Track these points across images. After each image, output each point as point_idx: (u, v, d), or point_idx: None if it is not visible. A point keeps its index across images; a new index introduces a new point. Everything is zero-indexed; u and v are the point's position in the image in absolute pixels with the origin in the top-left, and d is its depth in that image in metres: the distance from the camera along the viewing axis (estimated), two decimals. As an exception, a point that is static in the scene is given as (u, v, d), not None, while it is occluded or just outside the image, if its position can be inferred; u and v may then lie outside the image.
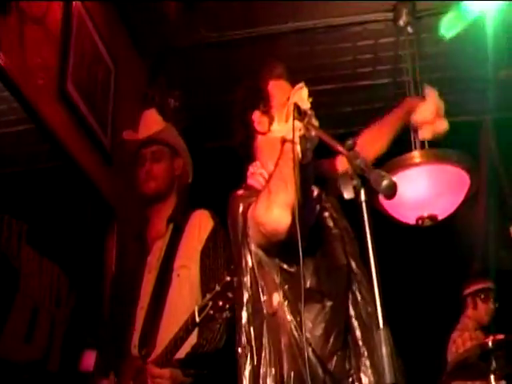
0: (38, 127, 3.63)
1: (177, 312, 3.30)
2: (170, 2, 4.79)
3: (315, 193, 2.75)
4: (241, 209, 2.60)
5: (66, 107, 3.95)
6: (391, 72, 5.92)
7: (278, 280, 2.50)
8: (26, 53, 3.47)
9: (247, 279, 2.54)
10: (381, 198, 1.99)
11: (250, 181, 2.80)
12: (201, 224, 3.56)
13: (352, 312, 2.59)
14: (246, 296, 2.54)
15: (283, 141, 2.48)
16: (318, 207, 2.74)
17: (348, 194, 1.94)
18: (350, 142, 2.04)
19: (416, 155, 4.63)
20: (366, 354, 2.51)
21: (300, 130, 2.42)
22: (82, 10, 4.22)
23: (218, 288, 2.89)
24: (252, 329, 2.50)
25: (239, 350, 2.53)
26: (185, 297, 3.37)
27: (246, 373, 2.47)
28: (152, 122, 3.81)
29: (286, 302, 2.47)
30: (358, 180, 1.93)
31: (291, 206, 2.33)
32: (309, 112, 2.45)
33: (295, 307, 2.45)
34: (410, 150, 4.86)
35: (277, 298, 2.48)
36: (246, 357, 2.49)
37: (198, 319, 2.97)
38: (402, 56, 5.48)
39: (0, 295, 3.19)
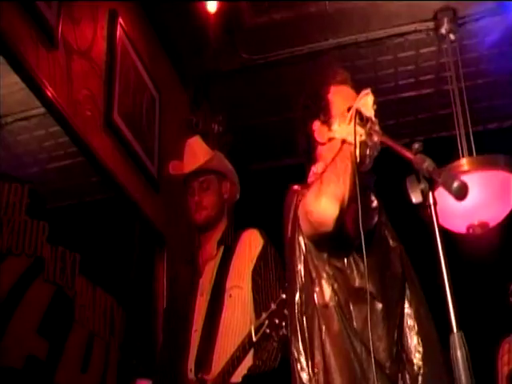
0: (87, 159, 3.70)
1: (231, 333, 3.29)
2: (210, 27, 4.79)
3: (374, 203, 2.72)
4: (295, 201, 2.57)
5: (113, 137, 4.01)
6: (434, 82, 5.88)
7: (326, 275, 2.46)
8: (73, 85, 3.54)
9: (300, 267, 2.50)
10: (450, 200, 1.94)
11: (311, 179, 2.75)
12: (251, 243, 3.55)
13: (408, 310, 2.57)
14: (298, 284, 2.50)
15: (343, 141, 2.46)
16: (376, 217, 2.71)
17: (416, 198, 1.92)
18: (416, 146, 2.01)
19: (464, 163, 4.60)
20: (420, 363, 2.48)
21: (361, 135, 2.40)
22: (126, 40, 4.29)
23: (273, 306, 2.88)
24: (304, 318, 2.46)
25: (292, 336, 2.49)
26: (238, 317, 3.36)
27: (302, 359, 2.43)
28: (197, 152, 3.80)
29: (335, 298, 2.43)
30: (426, 184, 1.90)
31: (340, 199, 2.31)
32: (372, 119, 2.43)
33: (345, 304, 2.42)
34: (456, 157, 4.84)
35: (328, 291, 2.44)
36: (298, 343, 2.45)
37: (254, 338, 2.96)
38: (444, 64, 5.43)
39: (57, 325, 3.22)
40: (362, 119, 2.42)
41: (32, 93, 3.16)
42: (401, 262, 2.66)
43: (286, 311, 2.84)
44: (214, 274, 3.54)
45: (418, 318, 2.56)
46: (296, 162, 6.61)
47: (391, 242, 2.71)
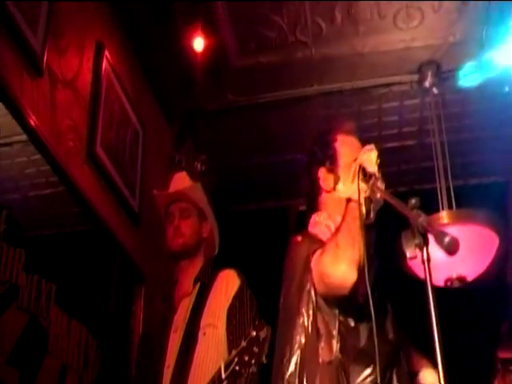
0: (67, 190, 3.69)
1: (203, 371, 3.27)
2: (197, 66, 4.83)
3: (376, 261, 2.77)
4: (305, 254, 2.60)
5: (95, 169, 4.01)
6: (417, 134, 5.94)
7: (334, 331, 2.48)
8: (57, 115, 3.55)
9: (307, 322, 2.52)
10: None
11: (313, 229, 2.81)
12: (228, 282, 3.56)
13: None
14: (302, 339, 2.51)
15: (348, 200, 2.52)
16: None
17: (410, 253, 1.98)
18: (413, 202, 2.09)
19: (443, 216, 4.63)
20: None
21: (365, 191, 2.44)
22: (111, 73, 4.31)
23: (243, 344, 2.87)
24: (305, 374, 2.47)
25: None
26: (211, 355, 3.34)
27: None
28: (181, 182, 3.87)
29: (340, 355, 2.45)
30: (421, 239, 1.96)
31: (358, 264, 2.36)
32: (376, 175, 2.48)
33: (347, 365, 2.44)
34: (436, 209, 4.87)
35: (334, 349, 2.46)
36: None
37: (223, 375, 2.94)
38: (427, 117, 5.49)
39: (29, 355, 3.18)
40: (365, 175, 2.47)
41: (15, 120, 3.16)
42: (394, 328, 2.69)
43: (255, 349, 2.84)
44: (189, 310, 3.53)
45: None
46: (277, 205, 6.70)
47: (388, 305, 2.74)
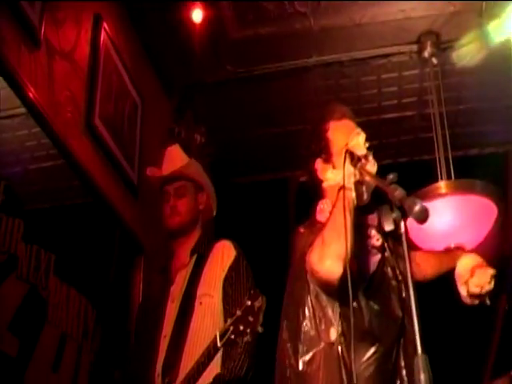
0: (67, 162, 3.71)
1: (199, 340, 3.31)
2: (195, 37, 4.82)
3: (378, 242, 2.78)
4: (303, 246, 2.68)
5: (93, 141, 4.02)
6: (416, 104, 5.94)
7: (333, 316, 2.54)
8: (55, 86, 3.56)
9: (307, 310, 2.60)
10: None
11: (319, 216, 2.84)
12: (223, 253, 3.59)
13: (402, 363, 2.61)
14: (305, 326, 2.59)
15: (339, 188, 2.54)
16: (379, 255, 2.76)
17: (388, 226, 2.00)
18: (391, 177, 2.13)
19: (441, 186, 4.65)
20: None
21: (355, 175, 2.47)
22: (110, 45, 4.32)
23: (238, 313, 2.90)
24: (308, 357, 2.55)
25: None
26: (207, 325, 3.38)
27: None
28: (175, 158, 3.85)
29: (342, 339, 2.50)
30: (398, 212, 1.98)
31: (343, 257, 2.41)
32: (363, 160, 2.51)
33: (350, 346, 2.47)
34: (436, 180, 4.89)
35: (334, 332, 2.52)
36: None
37: (219, 344, 2.97)
38: (426, 88, 5.49)
39: (28, 324, 3.22)
40: (353, 159, 2.49)
41: (13, 91, 3.17)
42: (400, 305, 2.71)
43: (250, 318, 2.87)
44: (186, 281, 3.56)
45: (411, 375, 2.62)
46: (277, 176, 6.71)
47: (393, 281, 2.76)
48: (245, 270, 3.53)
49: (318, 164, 2.86)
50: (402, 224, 2.00)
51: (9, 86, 3.13)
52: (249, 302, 2.88)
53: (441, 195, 4.58)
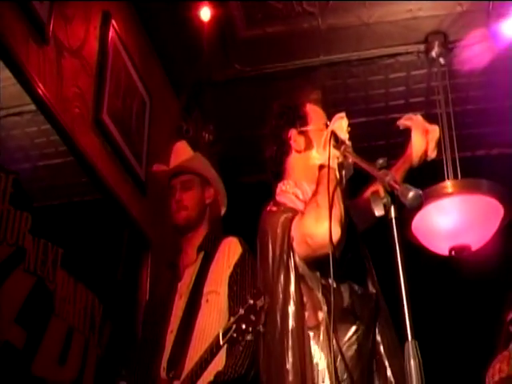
0: (75, 158, 3.75)
1: (205, 336, 3.32)
2: (204, 36, 4.85)
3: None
4: (280, 221, 2.60)
5: (102, 137, 4.06)
6: (424, 104, 5.94)
7: (320, 297, 2.51)
8: (63, 82, 3.60)
9: (292, 291, 2.54)
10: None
11: (281, 198, 2.81)
12: (229, 250, 3.60)
13: (379, 338, 2.62)
14: (291, 309, 2.53)
15: (321, 167, 2.55)
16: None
17: (379, 212, 1.98)
18: (381, 161, 2.09)
19: (448, 185, 4.66)
20: (392, 378, 2.54)
21: (338, 157, 2.47)
22: (118, 42, 4.35)
23: (241, 311, 2.92)
24: (292, 341, 2.51)
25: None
26: (213, 321, 3.40)
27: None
28: (181, 153, 3.86)
29: (327, 318, 2.47)
30: (388, 198, 1.97)
31: (342, 221, 2.40)
32: (347, 142, 2.51)
33: (334, 325, 2.46)
34: (442, 179, 4.90)
35: (321, 314, 2.49)
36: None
37: (221, 341, 2.99)
38: (434, 88, 5.50)
39: (36, 316, 3.25)
40: (337, 142, 2.50)
41: (21, 87, 3.20)
42: (374, 285, 2.73)
43: (252, 317, 2.89)
44: (193, 278, 3.57)
45: (388, 349, 2.62)
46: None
47: (367, 263, 2.78)
48: (251, 267, 3.52)
49: (293, 133, 2.86)
50: (392, 209, 1.97)
51: (18, 82, 3.16)
52: (251, 301, 2.89)
53: (447, 194, 4.59)
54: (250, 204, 6.30)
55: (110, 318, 4.01)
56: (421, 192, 1.87)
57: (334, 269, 2.35)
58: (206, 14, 4.70)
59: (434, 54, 5.27)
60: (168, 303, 3.59)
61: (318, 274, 2.54)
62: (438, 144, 5.12)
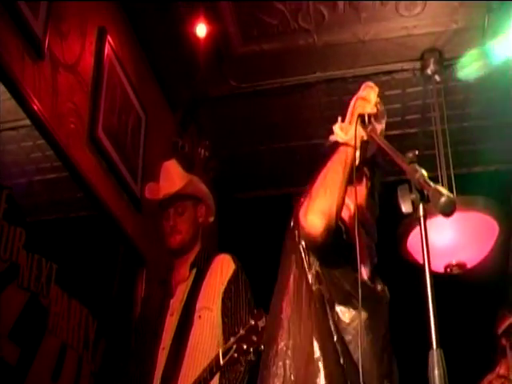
0: (70, 174, 3.73)
1: (198, 353, 3.33)
2: (200, 52, 4.86)
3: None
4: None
5: (97, 153, 4.04)
6: (420, 121, 5.96)
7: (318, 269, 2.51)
8: (58, 98, 3.59)
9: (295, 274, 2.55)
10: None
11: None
12: (223, 267, 3.62)
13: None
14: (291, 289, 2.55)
15: (341, 144, 2.46)
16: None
17: (406, 208, 1.90)
18: (410, 155, 1.97)
19: (442, 202, 4.65)
20: None
21: (363, 136, 2.42)
22: (114, 58, 4.35)
23: (242, 332, 2.93)
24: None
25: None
26: (206, 338, 3.40)
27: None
28: (173, 176, 3.85)
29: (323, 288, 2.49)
30: (417, 194, 1.89)
31: (327, 213, 2.35)
32: (373, 121, 2.45)
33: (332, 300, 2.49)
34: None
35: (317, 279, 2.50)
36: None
37: (222, 362, 2.99)
38: (429, 105, 5.51)
39: (29, 332, 3.23)
40: (363, 121, 2.44)
41: (16, 102, 3.19)
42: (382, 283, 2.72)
43: (254, 337, 2.88)
44: (185, 295, 3.59)
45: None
46: (281, 192, 6.73)
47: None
48: (244, 283, 3.55)
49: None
50: (421, 207, 1.84)
51: (13, 97, 3.15)
52: (252, 322, 2.91)
53: (441, 211, 4.57)
54: (244, 220, 6.34)
55: (104, 334, 3.99)
56: (454, 198, 1.73)
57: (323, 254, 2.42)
58: (201, 30, 4.70)
59: (429, 71, 5.28)
60: (160, 320, 3.60)
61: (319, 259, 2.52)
62: (434, 161, 5.16)
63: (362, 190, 2.71)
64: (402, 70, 5.44)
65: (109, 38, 4.26)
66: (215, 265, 3.64)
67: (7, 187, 3.12)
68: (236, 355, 2.93)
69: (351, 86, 5.57)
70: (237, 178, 6.44)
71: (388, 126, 5.80)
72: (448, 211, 1.71)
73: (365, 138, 2.42)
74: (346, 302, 2.49)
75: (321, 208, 2.37)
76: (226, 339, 3.24)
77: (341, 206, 2.41)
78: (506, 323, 5.30)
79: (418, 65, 5.36)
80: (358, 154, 2.44)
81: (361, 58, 5.30)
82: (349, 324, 2.48)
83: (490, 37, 4.99)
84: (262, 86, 5.55)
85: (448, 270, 4.82)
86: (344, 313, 2.49)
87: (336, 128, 2.56)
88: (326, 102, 5.74)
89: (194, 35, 4.75)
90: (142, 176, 4.72)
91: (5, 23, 3.09)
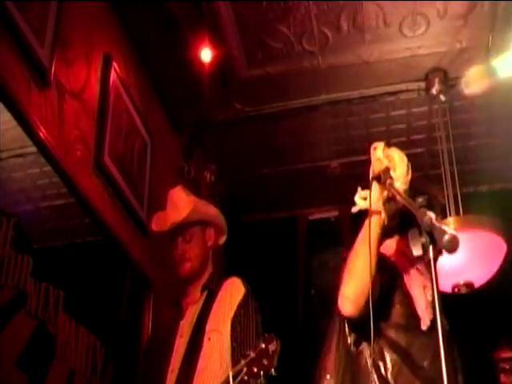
0: (77, 200, 3.73)
1: (207, 375, 3.31)
2: (204, 76, 4.87)
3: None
4: None
5: (103, 179, 4.05)
6: (425, 141, 5.96)
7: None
8: (65, 126, 3.60)
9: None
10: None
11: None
12: (232, 290, 3.59)
13: None
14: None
15: (368, 213, 2.55)
16: None
17: (417, 251, 1.98)
18: (420, 200, 2.11)
19: (450, 222, 4.63)
20: None
21: (382, 194, 2.49)
22: (119, 84, 4.37)
23: (252, 355, 2.91)
24: None
25: None
26: (215, 360, 3.38)
27: None
28: (179, 205, 3.79)
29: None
30: (427, 237, 1.95)
31: (356, 297, 2.53)
32: (388, 177, 2.47)
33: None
34: (444, 217, 4.88)
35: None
36: None
37: None
38: (435, 125, 5.51)
39: (37, 359, 3.22)
40: (379, 181, 2.47)
41: (23, 130, 3.20)
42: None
43: (265, 361, 2.87)
44: (195, 317, 3.56)
45: None
46: (287, 215, 6.73)
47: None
48: (253, 307, 3.52)
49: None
50: (431, 249, 1.95)
51: (19, 125, 3.15)
52: (263, 345, 2.90)
53: (450, 231, 4.56)
54: (250, 243, 6.34)
55: (112, 360, 3.97)
56: (456, 235, 1.86)
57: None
58: (206, 55, 4.71)
59: (434, 91, 5.28)
60: (169, 341, 3.57)
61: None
62: (440, 180, 5.16)
63: (396, 242, 2.84)
64: (407, 91, 5.45)
65: (114, 64, 4.27)
66: (225, 288, 3.62)
67: (14, 215, 3.11)
68: (246, 378, 2.91)
69: (356, 108, 5.60)
70: (242, 200, 6.44)
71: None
72: (450, 248, 1.85)
73: (385, 195, 2.50)
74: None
75: (346, 294, 2.58)
76: (234, 363, 3.21)
77: (369, 282, 2.50)
78: (502, 354, 5.31)
79: (422, 85, 5.37)
80: (383, 215, 2.53)
81: (365, 79, 5.32)
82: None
83: (493, 56, 5.00)
84: (266, 109, 5.57)
85: (456, 289, 4.79)
86: None
87: (356, 198, 2.68)
88: (331, 123, 5.76)
89: (199, 59, 4.76)
90: (148, 201, 4.73)
91: (11, 51, 3.10)
